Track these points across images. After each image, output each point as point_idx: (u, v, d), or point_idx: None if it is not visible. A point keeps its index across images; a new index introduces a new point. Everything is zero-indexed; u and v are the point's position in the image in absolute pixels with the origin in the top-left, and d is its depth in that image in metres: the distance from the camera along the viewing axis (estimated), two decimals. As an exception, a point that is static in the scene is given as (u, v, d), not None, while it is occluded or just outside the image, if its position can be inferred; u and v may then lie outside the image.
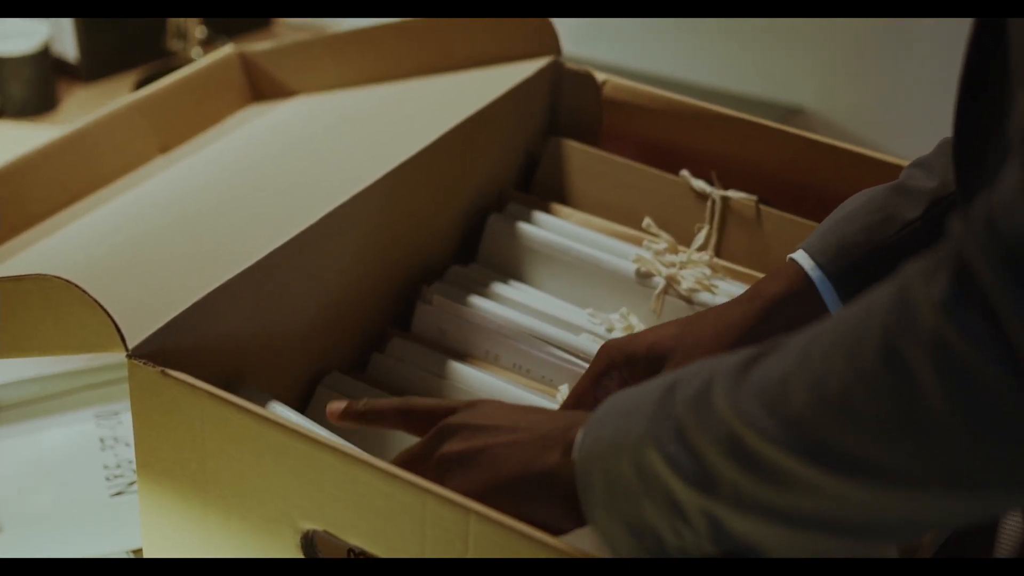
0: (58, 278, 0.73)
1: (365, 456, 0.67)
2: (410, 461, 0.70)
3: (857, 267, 0.80)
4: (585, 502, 0.63)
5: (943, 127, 0.75)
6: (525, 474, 0.66)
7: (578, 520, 0.64)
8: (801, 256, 0.82)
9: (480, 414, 0.70)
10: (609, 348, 0.80)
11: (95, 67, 1.49)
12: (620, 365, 0.79)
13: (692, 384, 0.59)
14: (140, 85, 1.46)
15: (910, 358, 0.50)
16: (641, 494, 0.60)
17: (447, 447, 0.69)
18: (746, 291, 0.82)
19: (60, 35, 1.47)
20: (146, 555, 0.80)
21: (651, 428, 0.59)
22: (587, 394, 0.79)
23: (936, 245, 0.52)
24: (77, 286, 0.73)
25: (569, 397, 0.80)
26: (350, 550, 0.71)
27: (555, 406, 0.86)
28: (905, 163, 0.93)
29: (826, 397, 0.53)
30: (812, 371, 0.54)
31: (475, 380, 0.88)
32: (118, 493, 0.96)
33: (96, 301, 0.72)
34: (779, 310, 0.80)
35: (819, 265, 0.81)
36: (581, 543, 0.64)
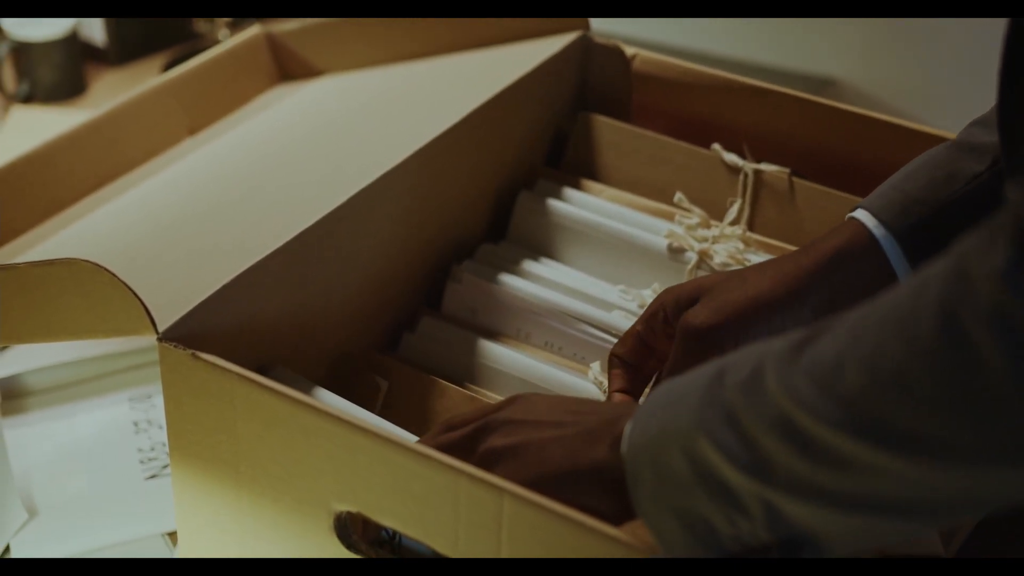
0: (88, 262, 0.73)
1: (398, 437, 0.67)
2: (449, 452, 0.70)
3: (923, 225, 0.78)
4: (635, 495, 0.62)
5: (984, 97, 0.74)
6: (573, 468, 0.65)
7: (628, 514, 0.63)
8: (862, 214, 0.79)
9: (523, 409, 0.70)
10: (662, 293, 0.79)
11: (123, 51, 1.49)
12: (669, 306, 0.78)
13: (742, 369, 0.58)
14: (168, 67, 1.46)
15: (969, 331, 0.49)
16: (693, 485, 0.58)
17: (492, 442, 0.69)
18: (802, 247, 0.80)
19: (88, 20, 1.47)
20: (180, 538, 0.80)
21: (701, 416, 0.58)
22: (634, 336, 0.79)
23: (992, 216, 0.50)
24: (107, 270, 0.72)
25: (620, 340, 0.80)
26: (383, 531, 0.71)
27: (587, 383, 0.85)
28: (945, 134, 0.91)
29: (882, 374, 0.52)
30: (866, 348, 0.53)
31: (506, 358, 0.87)
32: (152, 476, 0.96)
33: (126, 284, 0.72)
34: (836, 265, 0.77)
35: (883, 223, 0.78)
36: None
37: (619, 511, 0.64)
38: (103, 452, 0.98)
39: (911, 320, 0.51)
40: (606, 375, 0.85)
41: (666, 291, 0.79)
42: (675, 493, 0.59)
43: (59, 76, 1.42)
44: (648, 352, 0.80)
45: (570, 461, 0.66)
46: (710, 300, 0.77)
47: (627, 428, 0.63)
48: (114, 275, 0.72)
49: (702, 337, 0.76)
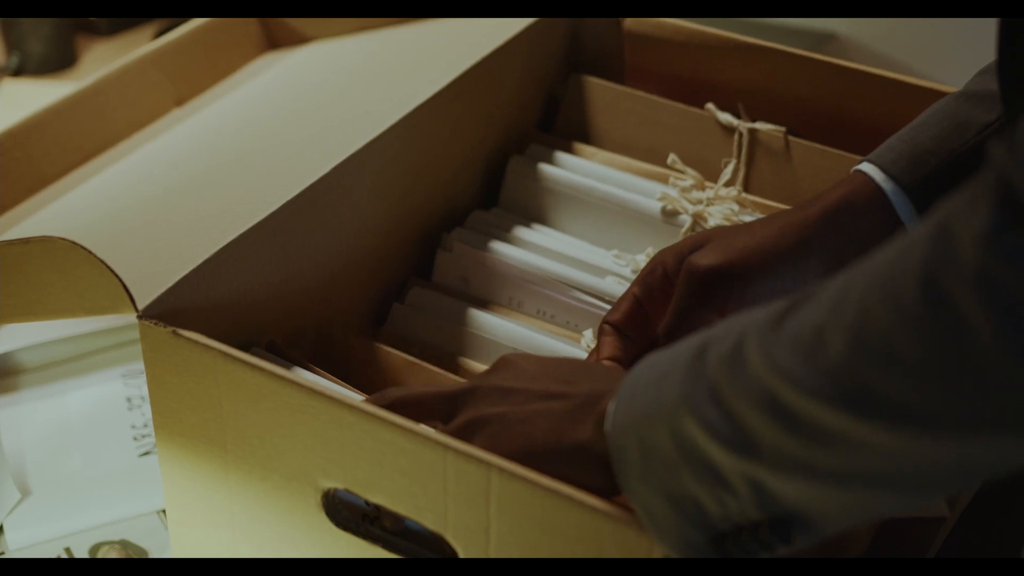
0: (64, 240, 0.71)
1: (384, 413, 0.66)
2: (424, 407, 0.69)
3: (933, 177, 0.75)
4: (621, 475, 0.60)
5: (988, 49, 0.71)
6: (558, 446, 0.64)
7: (615, 491, 0.62)
8: (869, 167, 0.77)
9: (510, 375, 0.68)
10: (659, 253, 0.77)
11: (114, 22, 1.47)
12: (668, 261, 0.76)
13: (724, 343, 0.56)
14: (158, 37, 1.44)
15: (954, 295, 0.47)
16: (679, 464, 0.57)
17: (477, 409, 0.67)
18: (809, 199, 0.78)
19: (77, -10, 1.45)
20: (169, 517, 0.79)
21: (685, 393, 0.57)
22: (631, 300, 0.77)
23: (975, 176, 0.49)
24: (83, 248, 0.71)
25: (614, 306, 0.78)
26: (364, 514, 0.70)
27: (580, 351, 0.84)
28: (945, 88, 0.89)
29: (865, 342, 0.50)
30: (849, 316, 0.51)
31: (498, 328, 0.86)
32: (146, 453, 0.95)
33: (103, 262, 0.71)
34: (844, 216, 0.75)
35: (891, 177, 0.75)
36: None
37: (605, 487, 0.62)
38: (96, 430, 0.97)
39: (893, 285, 0.49)
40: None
41: (662, 250, 0.78)
42: (662, 474, 0.58)
43: (49, 48, 1.40)
44: (643, 319, 0.77)
45: (554, 438, 0.64)
46: (716, 244, 0.75)
47: (611, 406, 0.62)
48: (91, 252, 0.71)
49: (708, 279, 0.74)
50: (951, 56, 1.52)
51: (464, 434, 0.66)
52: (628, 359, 0.76)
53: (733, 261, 0.74)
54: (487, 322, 0.86)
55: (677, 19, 1.01)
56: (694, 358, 0.58)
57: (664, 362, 0.60)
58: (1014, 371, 0.46)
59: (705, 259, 0.74)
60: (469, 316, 0.87)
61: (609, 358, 0.76)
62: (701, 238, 0.76)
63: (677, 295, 0.75)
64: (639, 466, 0.59)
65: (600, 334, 0.78)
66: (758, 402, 0.54)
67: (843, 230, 0.75)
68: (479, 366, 0.84)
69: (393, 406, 0.68)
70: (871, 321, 0.50)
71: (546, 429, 0.65)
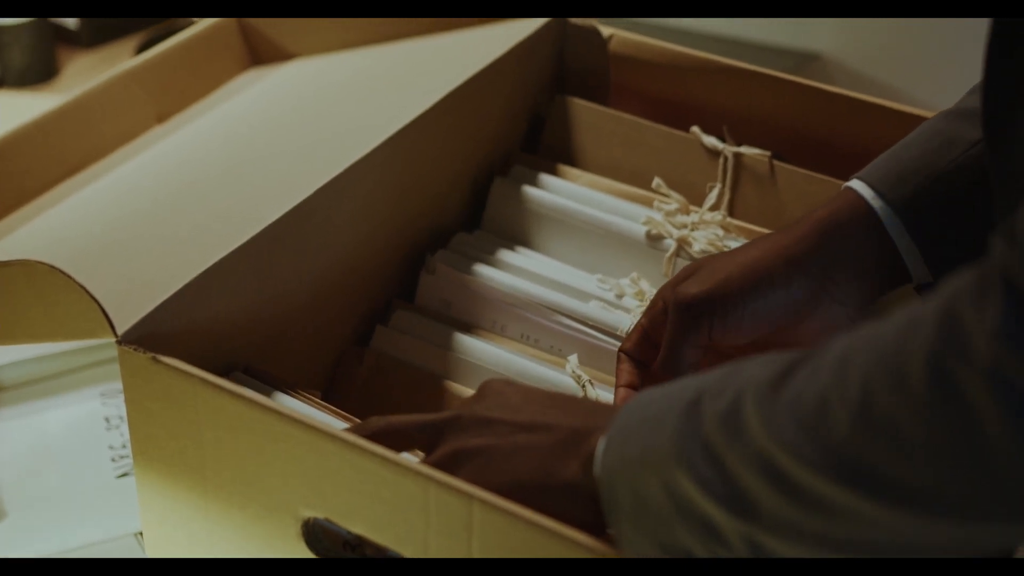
0: (43, 264, 0.71)
1: (366, 443, 0.65)
2: (404, 437, 0.68)
3: (921, 193, 0.75)
4: (611, 518, 0.60)
5: (972, 70, 0.71)
6: (545, 481, 0.64)
7: (603, 527, 0.62)
8: (858, 184, 0.76)
9: (494, 404, 0.68)
10: (663, 286, 0.77)
11: (95, 33, 1.46)
12: (667, 294, 0.76)
13: (720, 399, 0.56)
14: (141, 50, 1.43)
15: (965, 387, 0.47)
16: (673, 517, 0.57)
17: (462, 440, 0.67)
18: (797, 219, 0.77)
19: (58, 1, 1.44)
20: (147, 543, 0.78)
21: (679, 447, 0.56)
22: (639, 330, 0.77)
23: (980, 262, 0.49)
24: (63, 272, 0.70)
25: (628, 335, 0.78)
26: (345, 543, 0.69)
27: (564, 377, 0.83)
28: (928, 114, 0.89)
29: (870, 421, 0.50)
30: (852, 391, 0.51)
31: (481, 352, 0.85)
32: (123, 475, 0.94)
33: (82, 286, 0.70)
34: (832, 233, 0.75)
35: (880, 194, 0.75)
36: None
37: (593, 523, 0.62)
38: (74, 450, 0.96)
39: (900, 366, 0.50)
40: (585, 369, 0.83)
41: (663, 285, 0.78)
42: (654, 524, 0.58)
43: (30, 60, 1.39)
44: (652, 347, 0.78)
45: (542, 473, 0.64)
46: (702, 272, 0.75)
47: (600, 447, 0.61)
48: (70, 277, 0.70)
49: (692, 307, 0.74)
50: (934, 76, 1.52)
51: (448, 465, 0.66)
52: (644, 386, 0.77)
53: (716, 283, 0.74)
54: (470, 346, 0.86)
55: (663, 41, 1.00)
56: (688, 409, 0.57)
57: (656, 407, 0.59)
58: (1021, 462, 0.47)
59: (691, 288, 0.74)
60: (453, 340, 0.86)
61: (625, 385, 0.77)
62: (692, 268, 0.76)
63: (668, 326, 0.75)
64: (631, 513, 0.59)
65: (617, 362, 0.78)
66: (757, 467, 0.54)
67: (831, 247, 0.75)
68: (463, 389, 0.84)
69: (376, 436, 0.67)
70: (876, 400, 0.50)
71: (533, 465, 0.64)
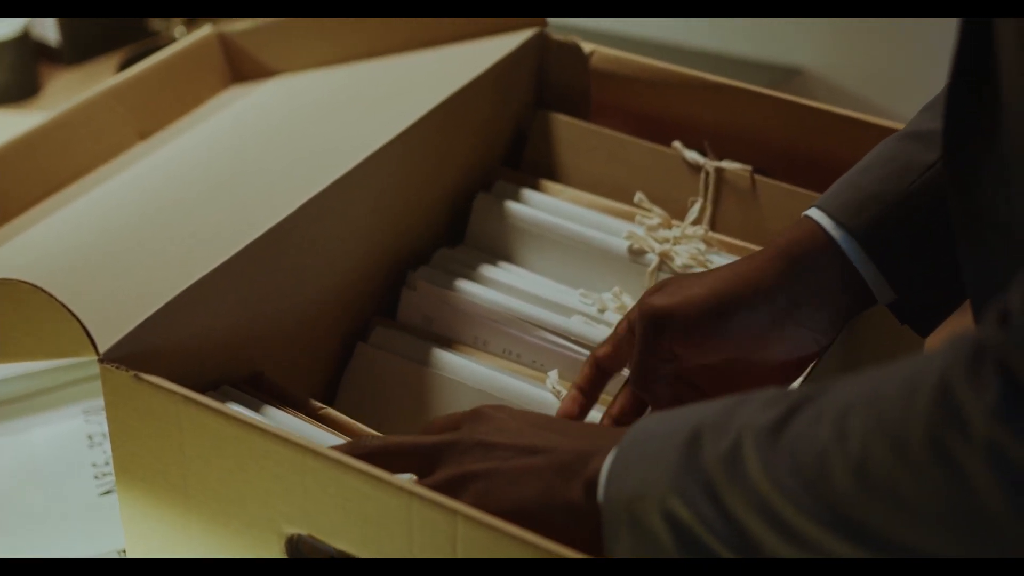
0: (24, 283, 0.71)
1: (349, 459, 0.65)
2: (407, 470, 0.69)
3: (880, 220, 0.76)
4: (612, 551, 0.61)
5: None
6: (547, 505, 0.64)
7: (600, 550, 0.63)
8: (816, 213, 0.77)
9: (493, 428, 0.68)
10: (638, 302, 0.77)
11: (77, 50, 1.46)
12: (643, 304, 0.77)
13: (720, 440, 0.58)
14: (123, 67, 1.43)
15: (963, 460, 0.49)
16: (677, 552, 0.58)
17: (461, 465, 0.67)
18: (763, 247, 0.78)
19: (40, 19, 1.44)
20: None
21: (678, 483, 0.58)
22: (614, 337, 0.78)
23: (977, 332, 0.51)
24: (44, 291, 0.70)
25: (604, 341, 0.79)
26: (332, 554, 0.69)
27: (545, 392, 0.83)
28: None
29: (870, 482, 0.52)
30: (852, 449, 0.53)
31: (462, 368, 0.85)
32: (107, 492, 0.94)
33: (64, 305, 0.70)
34: (794, 263, 0.75)
35: (840, 224, 0.76)
36: None
37: (596, 545, 0.62)
38: (56, 468, 0.96)
39: (899, 433, 0.51)
40: (564, 384, 0.83)
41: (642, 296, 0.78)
42: (656, 555, 0.59)
43: (11, 77, 1.39)
44: (622, 358, 0.78)
45: (545, 497, 0.65)
46: (669, 287, 0.76)
47: (602, 474, 0.62)
48: (52, 296, 0.70)
49: (656, 318, 0.74)
50: (915, 90, 1.53)
51: (449, 490, 0.66)
52: (594, 392, 0.79)
53: (682, 303, 0.74)
54: (450, 362, 0.86)
55: (644, 57, 1.01)
56: (687, 446, 0.59)
57: (657, 441, 0.60)
58: (1017, 530, 0.49)
59: (656, 300, 0.75)
60: (432, 356, 0.87)
61: (577, 387, 0.79)
62: (664, 282, 0.77)
63: (636, 336, 0.76)
64: (632, 545, 0.60)
65: (584, 364, 0.79)
66: (759, 512, 0.55)
67: (794, 277, 0.75)
68: (442, 404, 0.84)
69: (370, 456, 0.67)
70: (875, 460, 0.52)
71: (536, 489, 0.65)
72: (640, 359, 0.75)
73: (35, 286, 0.70)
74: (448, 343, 0.88)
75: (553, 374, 0.84)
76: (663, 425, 0.61)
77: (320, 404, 0.78)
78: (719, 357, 0.75)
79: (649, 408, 0.77)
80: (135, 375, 0.69)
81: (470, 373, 0.85)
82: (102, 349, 0.70)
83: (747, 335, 0.74)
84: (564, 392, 0.82)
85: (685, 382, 0.77)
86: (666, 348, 0.75)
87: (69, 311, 0.70)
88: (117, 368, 0.70)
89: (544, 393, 0.83)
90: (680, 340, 0.74)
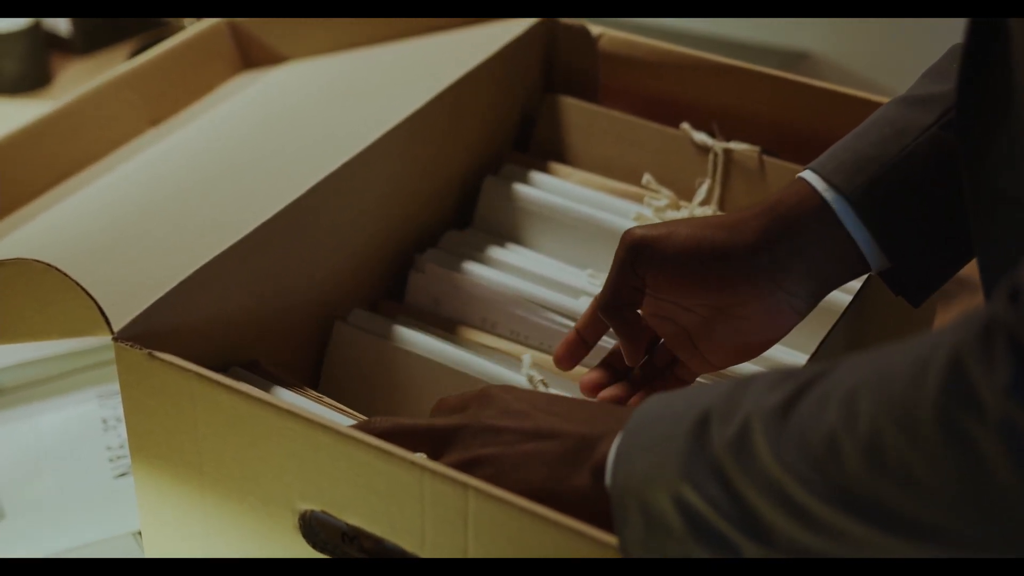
0: (38, 262, 0.71)
1: (361, 435, 0.66)
2: (415, 440, 0.69)
3: (875, 182, 0.74)
4: (621, 536, 0.61)
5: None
6: (556, 489, 0.65)
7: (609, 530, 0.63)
8: (810, 175, 0.76)
9: (499, 412, 0.68)
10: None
11: (88, 40, 1.47)
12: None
13: (728, 425, 0.58)
14: (134, 56, 1.44)
15: (977, 439, 0.50)
16: (688, 536, 0.59)
17: (469, 449, 0.68)
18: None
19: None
20: (145, 539, 0.78)
21: (687, 469, 0.58)
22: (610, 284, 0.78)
23: (988, 309, 0.51)
24: (58, 269, 0.71)
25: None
26: (343, 534, 0.70)
27: (520, 376, 0.83)
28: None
29: (881, 462, 0.52)
30: (862, 430, 0.53)
31: (440, 350, 0.85)
32: (121, 475, 0.95)
33: (77, 283, 0.71)
34: (784, 226, 0.74)
35: (833, 186, 0.74)
36: None
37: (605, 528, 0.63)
38: (71, 451, 0.97)
39: (908, 412, 0.51)
40: (535, 368, 0.83)
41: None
42: (667, 541, 0.59)
43: (23, 67, 1.40)
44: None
45: (552, 482, 0.65)
46: (655, 224, 0.77)
47: (610, 459, 0.63)
48: (66, 275, 0.71)
49: (633, 244, 0.75)
50: (919, 73, 1.52)
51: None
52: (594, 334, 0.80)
53: (661, 236, 0.75)
54: (425, 343, 0.85)
55: (652, 39, 1.01)
56: (695, 430, 0.59)
57: (663, 424, 0.61)
58: None
59: (638, 230, 0.76)
60: (409, 337, 0.86)
61: (578, 328, 0.80)
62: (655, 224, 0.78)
63: (614, 260, 0.76)
64: (642, 532, 0.60)
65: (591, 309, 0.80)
66: (769, 494, 0.56)
67: (782, 240, 0.74)
68: (417, 387, 0.84)
69: (381, 437, 0.68)
70: (886, 440, 0.52)
71: (543, 474, 0.65)
72: (612, 281, 0.76)
73: (49, 265, 0.71)
74: (456, 325, 0.89)
75: (527, 358, 0.83)
76: (668, 408, 0.61)
77: (317, 394, 0.78)
78: (693, 301, 0.75)
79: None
80: (149, 353, 0.70)
81: (449, 355, 0.84)
82: (116, 328, 0.71)
83: (721, 284, 0.74)
84: (538, 377, 0.82)
85: (660, 319, 0.77)
86: (639, 275, 0.75)
87: (83, 290, 0.71)
88: (131, 347, 0.70)
89: (519, 377, 0.83)
90: (653, 271, 0.75)
